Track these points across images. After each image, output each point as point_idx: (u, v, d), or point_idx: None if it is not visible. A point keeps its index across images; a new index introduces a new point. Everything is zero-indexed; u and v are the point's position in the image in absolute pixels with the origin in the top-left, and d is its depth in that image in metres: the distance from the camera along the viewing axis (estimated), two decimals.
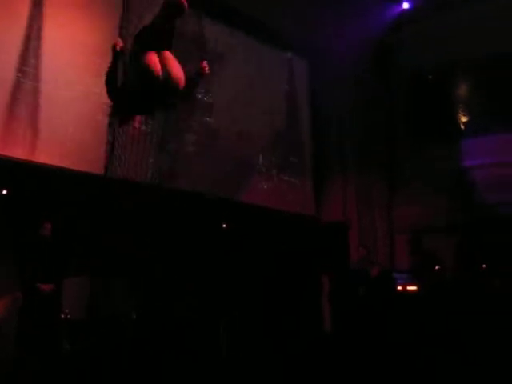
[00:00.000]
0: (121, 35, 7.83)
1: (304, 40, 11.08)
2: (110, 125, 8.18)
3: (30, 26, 7.79)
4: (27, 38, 7.77)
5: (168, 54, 4.53)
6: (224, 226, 9.96)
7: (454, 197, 10.70)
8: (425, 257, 10.05)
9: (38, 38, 7.86)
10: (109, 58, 4.68)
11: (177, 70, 4.50)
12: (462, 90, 11.62)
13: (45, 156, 7.92)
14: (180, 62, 4.55)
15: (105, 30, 8.49)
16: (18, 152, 7.64)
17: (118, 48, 4.57)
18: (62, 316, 7.24)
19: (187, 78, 4.56)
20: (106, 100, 8.22)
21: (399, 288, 9.70)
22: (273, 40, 10.98)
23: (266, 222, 10.09)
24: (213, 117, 10.16)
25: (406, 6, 11.12)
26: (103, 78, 4.60)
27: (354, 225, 11.25)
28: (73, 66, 8.25)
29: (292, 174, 11.34)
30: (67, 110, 8.16)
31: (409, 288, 9.72)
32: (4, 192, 7.54)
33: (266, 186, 10.74)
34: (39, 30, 7.88)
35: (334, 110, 11.69)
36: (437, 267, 9.88)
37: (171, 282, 8.26)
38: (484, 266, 9.94)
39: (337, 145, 11.76)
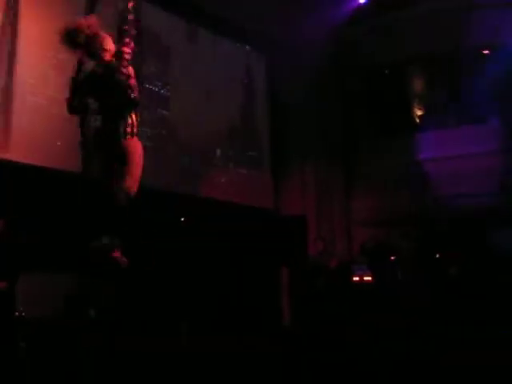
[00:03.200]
0: None
1: (262, 34, 11.10)
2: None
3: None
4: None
5: None
6: (182, 220, 9.86)
7: (408, 189, 10.81)
8: (379, 248, 10.13)
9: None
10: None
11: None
12: (418, 84, 11.79)
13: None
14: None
15: None
16: None
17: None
18: (17, 314, 7.05)
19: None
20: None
21: (356, 279, 9.82)
22: (230, 33, 10.98)
23: (223, 215, 10.01)
24: (169, 110, 10.14)
25: (361, 0, 11.14)
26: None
27: (312, 216, 11.31)
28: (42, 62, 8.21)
29: (250, 167, 11.39)
30: (23, 102, 8.08)
31: (365, 279, 9.84)
32: None
33: (223, 180, 10.74)
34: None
35: (292, 103, 11.70)
36: (392, 258, 10.00)
37: (128, 277, 8.11)
38: (438, 255, 10.10)
39: (295, 138, 11.77)
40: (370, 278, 9.75)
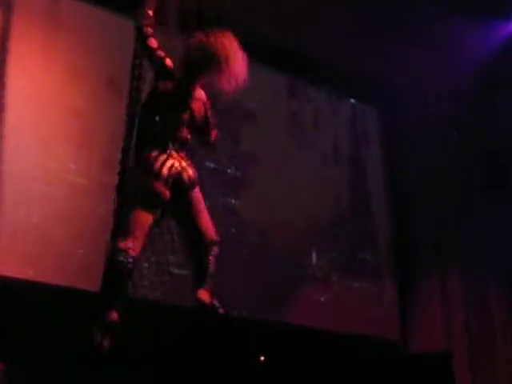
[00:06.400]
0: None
1: (374, 82, 8.62)
2: None
3: None
4: None
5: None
6: (262, 358, 7.97)
7: None
8: None
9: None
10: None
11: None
12: None
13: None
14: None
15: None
16: None
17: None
18: None
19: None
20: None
21: None
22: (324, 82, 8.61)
23: (324, 352, 7.94)
24: (241, 198, 8.09)
25: None
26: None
27: (462, 357, 8.27)
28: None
29: (362, 278, 8.94)
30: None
31: None
32: None
33: (323, 298, 8.51)
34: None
35: (420, 179, 9.12)
36: None
37: None
38: None
39: (429, 228, 8.96)
40: None
